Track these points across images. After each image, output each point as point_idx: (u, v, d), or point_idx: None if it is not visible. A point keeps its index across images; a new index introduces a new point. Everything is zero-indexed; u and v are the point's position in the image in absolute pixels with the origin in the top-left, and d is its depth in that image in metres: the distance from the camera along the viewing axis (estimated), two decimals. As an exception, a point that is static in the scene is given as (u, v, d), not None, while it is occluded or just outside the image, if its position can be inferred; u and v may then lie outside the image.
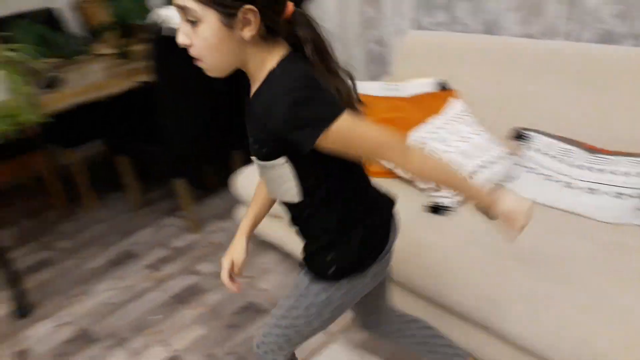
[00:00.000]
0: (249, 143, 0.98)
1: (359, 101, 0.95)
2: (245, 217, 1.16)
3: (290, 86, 0.84)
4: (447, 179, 0.93)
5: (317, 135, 0.83)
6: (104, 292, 2.01)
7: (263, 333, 1.12)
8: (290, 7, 0.88)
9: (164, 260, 2.17)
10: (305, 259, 1.05)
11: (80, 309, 1.93)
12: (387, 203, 1.07)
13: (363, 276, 1.02)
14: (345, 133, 0.85)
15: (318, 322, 1.06)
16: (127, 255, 2.23)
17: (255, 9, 0.82)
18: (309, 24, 0.90)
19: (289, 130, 0.84)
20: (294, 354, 1.18)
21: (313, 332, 1.09)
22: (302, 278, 1.05)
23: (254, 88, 0.92)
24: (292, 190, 0.96)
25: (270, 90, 0.87)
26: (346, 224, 0.99)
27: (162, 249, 2.25)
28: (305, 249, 1.05)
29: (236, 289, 1.13)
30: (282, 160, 0.91)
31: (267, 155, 0.93)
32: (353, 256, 1.00)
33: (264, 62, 0.89)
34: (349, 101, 0.92)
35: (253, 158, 0.98)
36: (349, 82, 0.94)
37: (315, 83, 0.85)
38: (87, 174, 2.60)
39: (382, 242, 1.04)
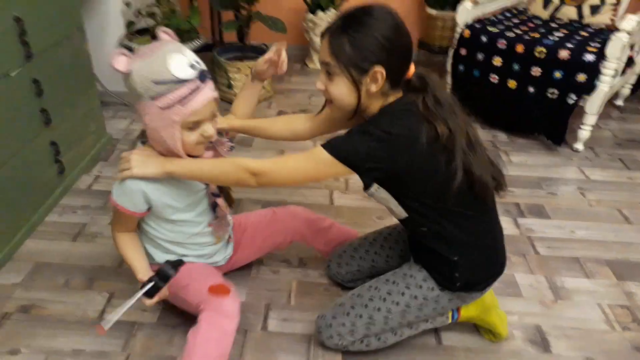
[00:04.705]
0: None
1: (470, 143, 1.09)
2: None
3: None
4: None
5: None
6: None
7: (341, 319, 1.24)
8: (412, 69, 1.10)
9: None
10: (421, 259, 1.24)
11: None
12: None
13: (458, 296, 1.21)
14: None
15: (411, 317, 1.22)
16: None
17: (383, 70, 1.03)
18: (423, 85, 1.09)
19: None
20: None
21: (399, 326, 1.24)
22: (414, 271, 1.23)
23: None
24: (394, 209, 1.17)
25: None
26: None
27: None
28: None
29: None
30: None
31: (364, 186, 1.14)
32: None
33: (377, 107, 1.10)
34: (448, 143, 1.05)
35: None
36: (469, 130, 1.09)
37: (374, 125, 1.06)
38: None
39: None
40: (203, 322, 1.15)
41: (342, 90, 1.07)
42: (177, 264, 1.13)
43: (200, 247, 1.32)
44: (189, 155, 1.15)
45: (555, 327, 1.40)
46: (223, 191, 1.31)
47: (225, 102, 2.67)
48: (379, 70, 1.03)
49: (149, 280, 1.11)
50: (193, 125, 1.10)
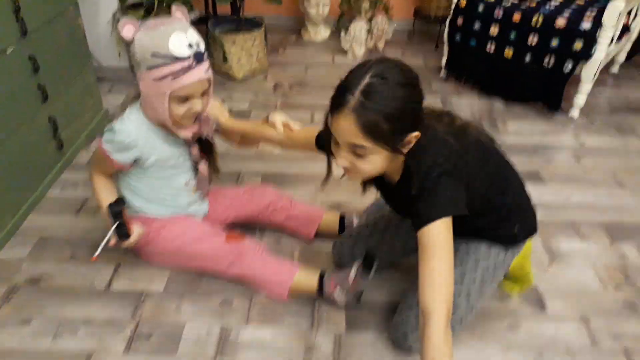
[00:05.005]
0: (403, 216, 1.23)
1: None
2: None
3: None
4: None
5: None
6: None
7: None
8: None
9: None
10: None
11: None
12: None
13: None
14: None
15: (487, 288, 1.23)
16: None
17: (419, 133, 0.95)
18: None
19: None
20: None
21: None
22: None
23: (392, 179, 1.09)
24: None
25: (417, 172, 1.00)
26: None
27: None
28: None
29: None
30: None
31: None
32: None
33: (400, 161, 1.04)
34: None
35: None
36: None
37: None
38: None
39: None
40: (246, 270, 1.36)
41: (375, 165, 0.97)
42: (119, 202, 1.29)
43: (175, 198, 1.41)
44: (177, 126, 1.25)
45: (551, 288, 1.44)
46: (210, 160, 1.43)
47: (220, 75, 2.66)
48: (416, 135, 0.95)
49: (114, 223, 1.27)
50: (183, 99, 1.19)
